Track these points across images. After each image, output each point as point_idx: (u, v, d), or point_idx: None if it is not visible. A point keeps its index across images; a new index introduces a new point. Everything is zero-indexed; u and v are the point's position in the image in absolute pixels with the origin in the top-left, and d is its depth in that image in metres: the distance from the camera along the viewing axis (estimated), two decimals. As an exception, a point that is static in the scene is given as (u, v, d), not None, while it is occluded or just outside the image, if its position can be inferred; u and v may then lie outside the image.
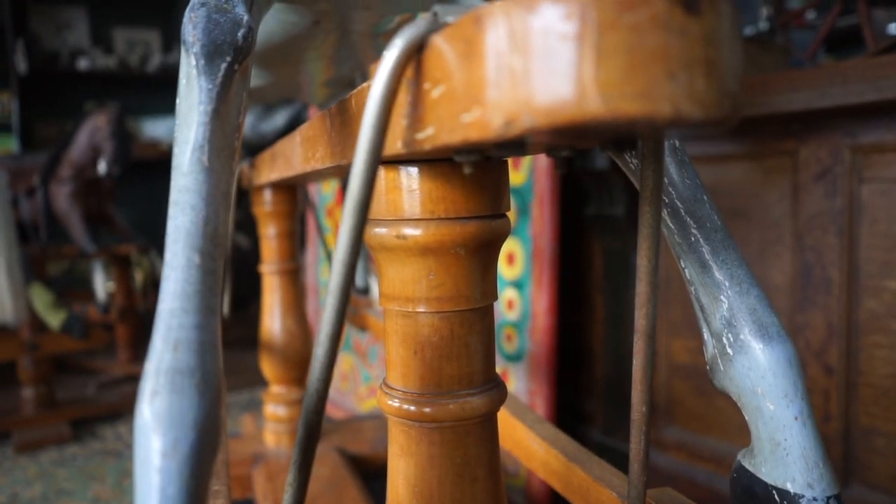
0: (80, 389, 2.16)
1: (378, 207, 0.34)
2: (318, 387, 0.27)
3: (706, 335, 0.35)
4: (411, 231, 0.33)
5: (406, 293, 0.35)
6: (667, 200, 0.35)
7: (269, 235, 1.05)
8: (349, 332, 1.87)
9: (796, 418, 0.31)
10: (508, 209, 0.36)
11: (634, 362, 0.34)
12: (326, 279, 1.93)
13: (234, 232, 3.21)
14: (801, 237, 0.98)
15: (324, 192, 1.92)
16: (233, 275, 1.17)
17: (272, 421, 1.06)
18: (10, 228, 1.81)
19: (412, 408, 0.35)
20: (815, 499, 0.30)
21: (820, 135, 0.94)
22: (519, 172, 1.28)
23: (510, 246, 1.29)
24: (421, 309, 0.35)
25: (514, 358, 1.29)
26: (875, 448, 0.92)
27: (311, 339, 1.08)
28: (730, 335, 0.33)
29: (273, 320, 1.05)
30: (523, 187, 1.27)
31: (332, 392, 1.88)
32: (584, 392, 1.39)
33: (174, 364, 0.24)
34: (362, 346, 1.75)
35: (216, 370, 0.24)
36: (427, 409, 0.35)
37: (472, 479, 0.36)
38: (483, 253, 0.35)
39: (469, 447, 0.36)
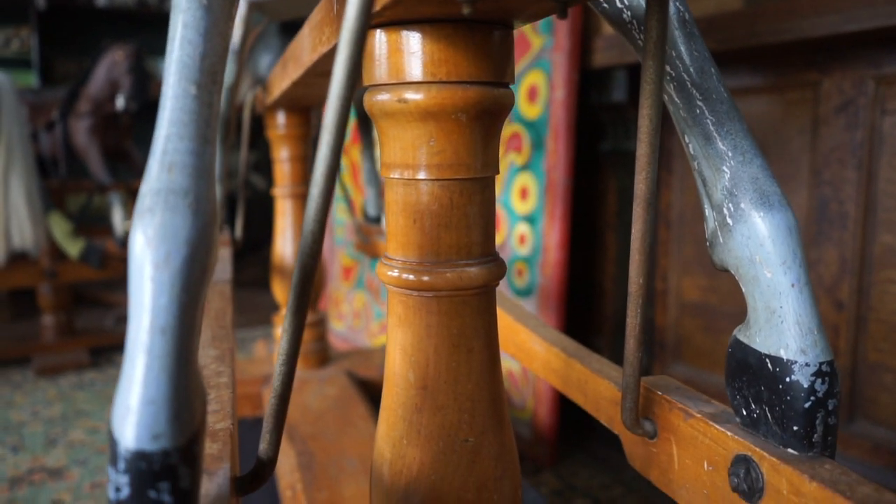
0: (98, 321, 2.20)
1: (379, 72, 0.34)
2: (313, 227, 0.27)
3: (707, 210, 0.34)
4: (412, 95, 0.33)
5: (406, 160, 0.35)
6: (673, 74, 0.34)
7: (282, 159, 1.05)
8: (362, 270, 1.88)
9: (793, 285, 0.31)
10: (512, 81, 0.36)
11: (633, 231, 0.33)
12: (342, 218, 1.93)
13: (249, 172, 3.21)
14: (818, 172, 0.96)
15: (340, 129, 1.91)
16: (246, 208, 1.17)
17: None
18: (29, 157, 1.83)
19: (411, 276, 0.35)
20: (807, 364, 0.30)
21: (844, 65, 0.92)
22: (534, 105, 1.26)
23: (523, 180, 1.29)
24: (421, 176, 0.34)
25: (525, 292, 1.29)
26: (882, 383, 0.92)
27: (322, 264, 1.09)
28: (730, 205, 0.32)
29: (285, 243, 1.06)
30: (538, 121, 1.26)
31: (343, 329, 1.90)
32: (593, 330, 1.39)
33: (168, 185, 0.24)
34: (375, 283, 1.77)
35: (209, 195, 0.25)
36: (425, 278, 0.35)
37: (468, 350, 0.36)
38: (485, 121, 0.34)
39: (465, 318, 0.36)
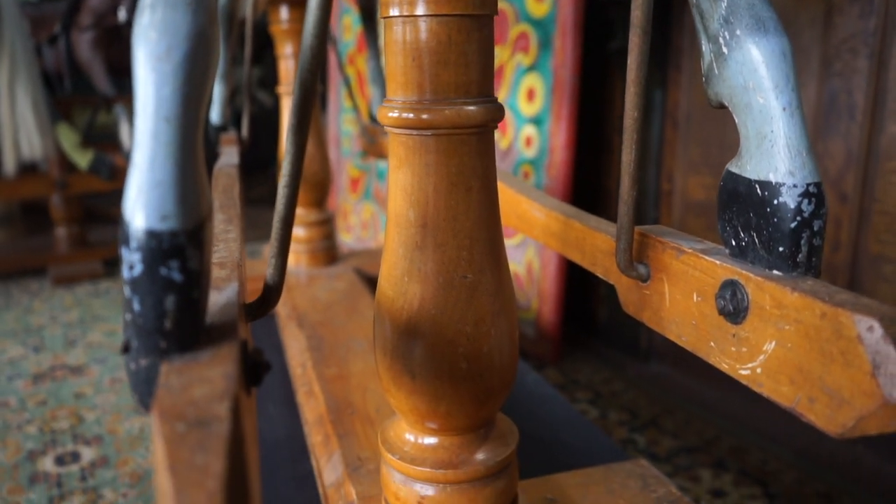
0: (111, 234, 2.23)
1: None
2: (312, 43, 0.27)
3: (704, 44, 0.35)
4: (410, -75, 0.33)
5: (404, -5, 0.35)
6: None
7: (286, 55, 1.05)
8: (369, 180, 1.88)
9: (784, 109, 0.31)
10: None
11: (629, 60, 0.34)
12: (349, 129, 1.93)
13: (255, 87, 3.17)
14: (829, 63, 0.95)
15: (345, 38, 1.88)
16: (252, 119, 1.17)
17: (292, 241, 1.10)
18: (33, 68, 1.82)
19: (410, 115, 0.36)
20: (794, 185, 0.31)
21: (861, -51, 0.89)
22: (542, 3, 1.24)
23: (530, 81, 1.27)
24: (419, 12, 0.35)
25: (531, 195, 1.30)
26: (882, 275, 0.93)
27: (328, 162, 1.10)
28: (726, 33, 0.32)
29: (291, 142, 1.06)
30: (546, 19, 1.23)
31: (352, 240, 1.93)
32: (598, 234, 1.40)
33: None
34: (382, 193, 1.78)
35: None
36: (424, 116, 0.36)
37: (467, 189, 0.37)
38: (482, -46, 0.34)
39: (464, 157, 0.37)
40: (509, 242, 1.35)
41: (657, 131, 1.22)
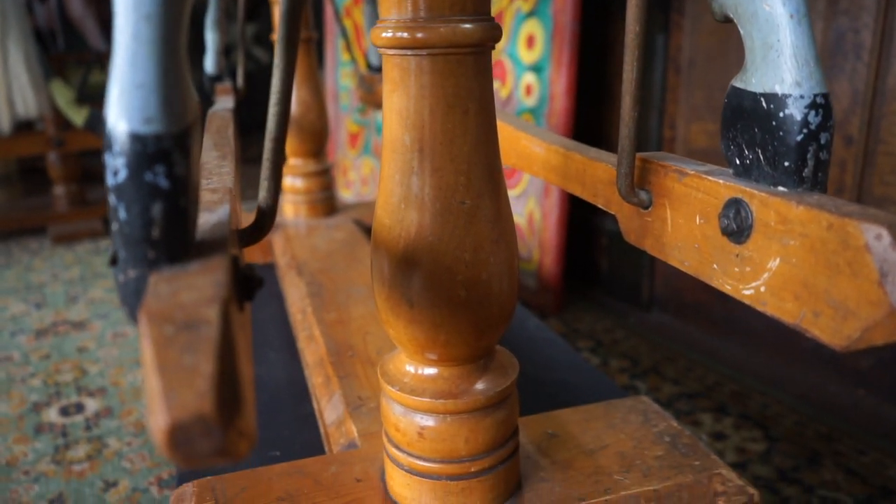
0: (109, 193, 2.22)
1: None
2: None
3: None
4: None
5: None
6: None
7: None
8: (368, 135, 1.87)
9: (791, 16, 0.30)
10: None
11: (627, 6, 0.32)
12: (347, 83, 1.90)
13: (250, 44, 3.13)
14: (835, 1, 0.92)
15: (341, -11, 1.85)
16: (247, 71, 1.14)
17: (290, 193, 1.09)
18: (25, 23, 1.79)
19: (405, 34, 0.35)
20: (801, 96, 0.30)
21: None
22: (543, -54, 1.21)
23: (530, 28, 1.25)
24: (412, -77, 0.33)
25: (531, 145, 1.28)
26: (885, 218, 0.92)
27: (325, 112, 1.08)
28: (732, -61, 0.31)
29: (287, 91, 1.04)
30: (547, -38, 1.20)
31: (352, 197, 1.91)
32: (600, 184, 1.39)
33: None
34: (381, 148, 1.76)
35: None
36: (419, 35, 0.35)
37: (464, 112, 0.36)
38: None
39: (460, 78, 0.36)
40: (509, 194, 1.34)
41: (659, 77, 1.19)
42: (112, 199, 0.23)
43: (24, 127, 1.90)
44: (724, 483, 0.45)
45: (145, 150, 0.22)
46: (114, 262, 0.24)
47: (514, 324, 0.81)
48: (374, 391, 0.57)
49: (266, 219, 0.34)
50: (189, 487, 0.45)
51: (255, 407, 0.24)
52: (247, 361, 0.25)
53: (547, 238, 1.26)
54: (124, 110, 0.22)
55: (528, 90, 1.27)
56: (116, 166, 0.22)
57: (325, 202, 1.09)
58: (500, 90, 1.33)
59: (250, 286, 0.26)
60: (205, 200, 0.32)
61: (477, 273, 0.38)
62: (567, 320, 1.28)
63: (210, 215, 0.30)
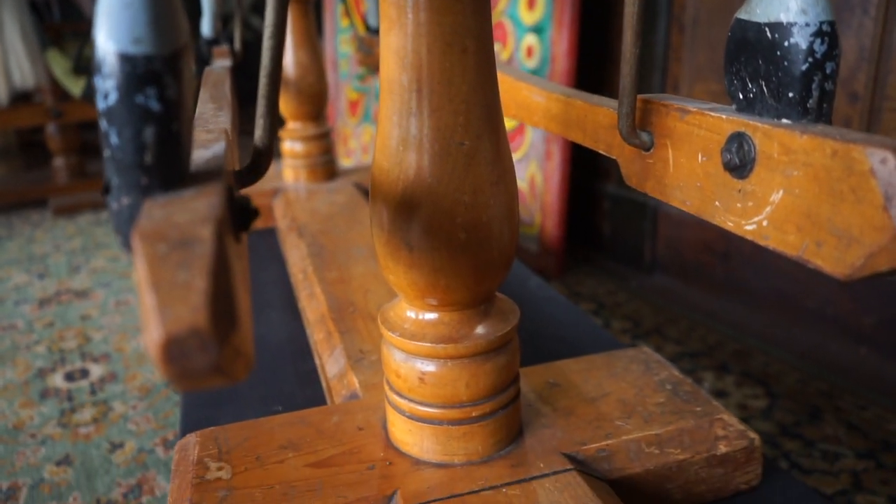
0: (109, 165, 2.21)
1: None
2: None
3: None
4: None
5: None
6: None
7: (277, -39, 1.00)
8: (368, 102, 1.85)
9: (797, -59, 0.29)
10: None
11: None
12: (346, 50, 1.88)
13: (248, 13, 3.10)
14: (842, -46, 0.91)
15: (339, -47, 1.82)
16: (244, 36, 1.13)
17: (290, 157, 1.08)
18: (18, -9, 1.76)
19: (400, -30, 0.34)
20: (806, 24, 0.30)
21: None
22: None
23: (531, -12, 1.23)
24: None
25: (532, 108, 1.27)
26: (890, 175, 0.92)
27: (324, 74, 1.07)
28: None
29: (285, 53, 1.03)
30: (547, -80, 1.18)
31: (354, 164, 1.91)
32: (601, 148, 1.38)
33: None
34: (382, 114, 1.74)
35: None
36: (415, -30, 0.34)
37: (462, 50, 0.36)
38: None
39: (458, 15, 0.35)
40: (511, 158, 1.33)
41: (662, 36, 1.18)
42: (103, 123, 0.23)
43: (21, 99, 1.88)
44: (726, 428, 0.45)
45: (135, 72, 0.22)
46: (107, 190, 0.24)
47: (516, 282, 0.80)
48: (375, 345, 0.57)
49: (262, 158, 0.34)
50: (192, 437, 0.45)
51: (252, 329, 0.24)
52: (244, 290, 0.24)
53: (548, 201, 1.25)
54: (112, 30, 0.22)
55: (529, 52, 1.25)
56: (107, 89, 0.22)
57: (325, 166, 1.09)
58: (501, 52, 1.31)
59: (246, 216, 0.26)
60: (200, 139, 0.32)
61: (477, 215, 0.37)
62: (569, 283, 1.28)
63: (205, 151, 0.29)
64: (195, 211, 0.22)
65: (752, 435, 0.45)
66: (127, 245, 0.24)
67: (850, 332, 0.96)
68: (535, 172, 1.28)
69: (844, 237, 0.27)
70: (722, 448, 0.44)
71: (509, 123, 1.34)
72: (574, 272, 1.33)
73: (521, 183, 1.32)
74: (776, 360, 0.98)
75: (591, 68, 1.33)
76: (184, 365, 0.19)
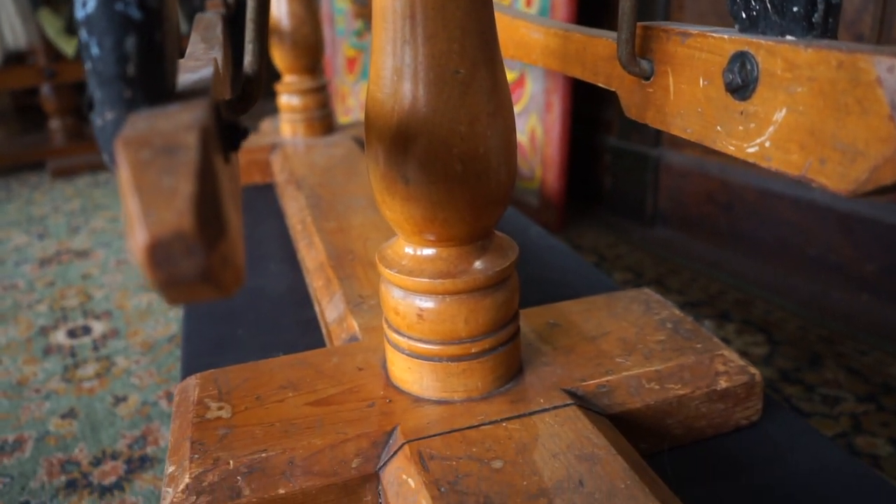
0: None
1: None
2: None
3: None
4: None
5: None
6: None
7: None
8: (366, 59, 1.82)
9: None
10: None
11: None
12: (342, 6, 1.85)
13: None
14: None
15: None
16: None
17: (286, 111, 1.07)
18: (7, -51, 1.73)
19: None
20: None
21: None
22: None
23: (530, -66, 1.20)
24: None
25: (532, 60, 1.25)
26: None
27: (319, 25, 1.05)
28: None
29: (279, 4, 1.01)
30: None
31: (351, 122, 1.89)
32: (601, 101, 1.36)
33: None
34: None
35: None
36: None
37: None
38: None
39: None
40: (511, 111, 1.32)
41: (664, -17, 1.15)
42: (83, 34, 0.22)
43: (14, 60, 1.86)
44: (726, 363, 0.45)
45: (113, -24, 0.21)
46: (90, 106, 0.23)
47: (517, 231, 0.80)
48: (374, 290, 0.56)
49: (253, 86, 0.33)
50: (192, 380, 0.45)
51: (243, 242, 0.23)
52: (233, 206, 0.24)
53: (549, 154, 1.24)
54: (89, -67, 0.21)
55: (529, 1, 1.23)
56: (84, -4, 0.21)
57: (323, 120, 1.07)
58: (500, 0, 1.29)
59: (235, 136, 0.25)
60: (187, 66, 0.31)
61: (473, 146, 0.37)
62: (570, 237, 1.28)
63: (192, 75, 0.28)
64: (180, 120, 0.21)
65: (753, 370, 0.45)
66: (113, 161, 0.23)
67: (852, 279, 0.96)
68: (536, 125, 1.26)
69: (849, 152, 0.27)
70: (722, 383, 0.44)
71: (509, 75, 1.32)
72: (575, 226, 1.33)
73: (521, 136, 1.30)
74: (777, 307, 0.98)
75: (592, 17, 1.30)
76: (170, 271, 0.18)
